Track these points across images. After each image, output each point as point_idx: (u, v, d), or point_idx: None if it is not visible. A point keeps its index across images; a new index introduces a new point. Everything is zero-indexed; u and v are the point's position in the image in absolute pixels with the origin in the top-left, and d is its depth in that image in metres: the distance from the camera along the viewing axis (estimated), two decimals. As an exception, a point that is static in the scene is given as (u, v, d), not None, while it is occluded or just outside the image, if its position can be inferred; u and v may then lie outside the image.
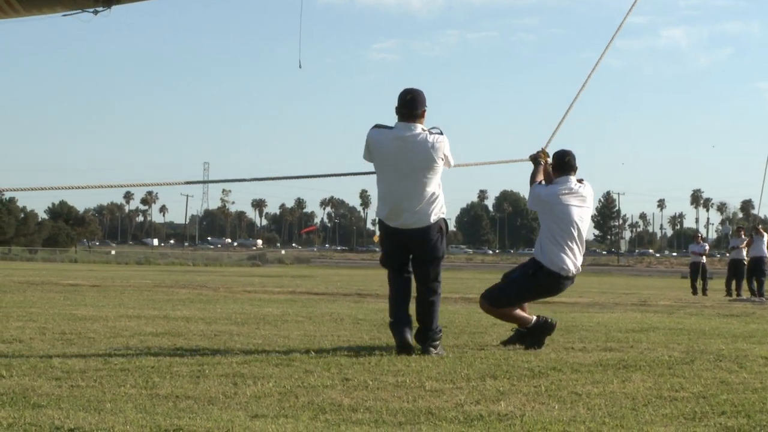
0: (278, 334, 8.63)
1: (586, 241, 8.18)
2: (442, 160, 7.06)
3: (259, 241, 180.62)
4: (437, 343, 7.06)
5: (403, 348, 6.95)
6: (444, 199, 7.19)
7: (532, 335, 7.58)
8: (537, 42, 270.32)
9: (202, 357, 6.58)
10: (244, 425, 4.12)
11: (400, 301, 7.17)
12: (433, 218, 7.06)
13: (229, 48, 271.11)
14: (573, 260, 7.68)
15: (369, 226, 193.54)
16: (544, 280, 7.68)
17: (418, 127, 7.03)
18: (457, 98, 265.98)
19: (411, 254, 7.21)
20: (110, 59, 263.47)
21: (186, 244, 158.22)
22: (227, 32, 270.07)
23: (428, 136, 7.02)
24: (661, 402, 4.96)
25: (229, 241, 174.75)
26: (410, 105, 7.04)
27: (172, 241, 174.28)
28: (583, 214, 7.76)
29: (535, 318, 7.62)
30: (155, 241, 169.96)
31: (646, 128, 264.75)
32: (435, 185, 7.08)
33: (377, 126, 7.14)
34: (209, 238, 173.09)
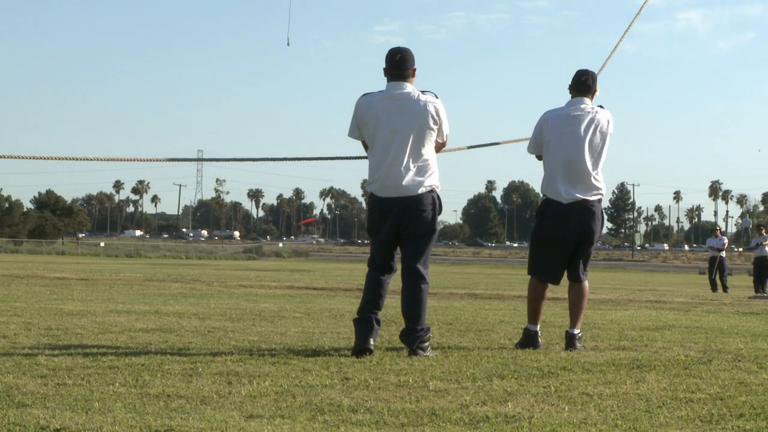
0: (275, 330, 8.64)
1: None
2: (436, 124, 6.89)
3: (236, 233, 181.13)
4: (426, 344, 6.82)
5: (360, 352, 6.68)
6: (438, 174, 6.98)
7: (522, 339, 7.53)
8: (548, 24, 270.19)
9: (195, 354, 6.59)
10: (239, 426, 4.13)
11: (372, 299, 6.89)
12: (424, 188, 6.87)
13: (224, 33, 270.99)
14: (579, 184, 7.39)
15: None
16: (549, 211, 7.46)
17: (409, 86, 6.92)
18: (465, 83, 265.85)
19: (399, 236, 6.93)
20: (101, 47, 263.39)
21: (165, 236, 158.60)
22: (222, 17, 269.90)
23: (420, 95, 6.90)
24: (676, 404, 4.96)
25: (205, 233, 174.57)
26: (400, 65, 6.91)
27: (139, 232, 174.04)
28: (594, 138, 7.41)
29: (535, 327, 7.47)
30: (137, 233, 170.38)
31: (661, 115, 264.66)
32: (427, 151, 6.90)
33: (366, 94, 7.03)
34: (183, 230, 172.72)
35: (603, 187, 7.56)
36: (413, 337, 6.81)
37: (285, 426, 4.17)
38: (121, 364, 5.97)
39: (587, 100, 7.57)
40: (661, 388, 5.45)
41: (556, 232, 7.51)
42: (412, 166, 6.88)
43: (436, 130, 6.95)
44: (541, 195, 7.67)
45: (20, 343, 7.19)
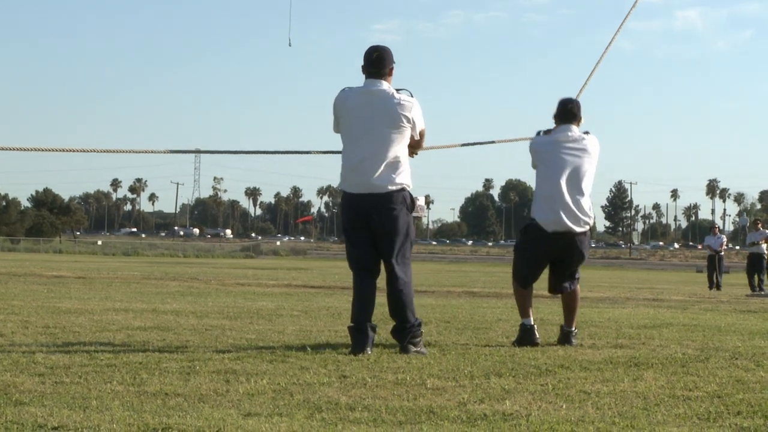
0: (273, 329, 8.64)
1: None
2: (409, 123, 6.91)
3: (228, 231, 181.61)
4: (418, 339, 6.85)
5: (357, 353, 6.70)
6: (409, 173, 6.98)
7: (518, 336, 7.60)
8: (547, 23, 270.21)
9: (192, 352, 6.59)
10: (237, 424, 4.13)
11: (363, 307, 6.89)
12: (393, 186, 6.85)
13: (222, 31, 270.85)
14: (566, 215, 7.46)
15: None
16: (539, 240, 7.57)
17: (384, 84, 6.96)
18: (462, 82, 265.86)
19: (375, 237, 6.90)
20: (99, 45, 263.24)
21: (163, 234, 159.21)
22: (219, 15, 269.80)
23: (395, 93, 6.93)
24: (673, 401, 4.97)
25: (197, 231, 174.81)
26: (377, 63, 6.96)
27: (134, 229, 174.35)
28: (582, 165, 7.53)
29: (530, 321, 7.57)
30: (132, 230, 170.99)
31: (659, 114, 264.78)
32: (399, 149, 6.91)
33: (344, 89, 7.07)
34: (176, 228, 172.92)
35: (590, 217, 7.64)
36: (404, 333, 6.84)
37: (283, 424, 4.17)
38: (119, 362, 5.97)
39: (573, 127, 7.66)
40: (658, 386, 5.46)
41: (536, 256, 7.69)
42: (382, 163, 6.88)
43: (409, 129, 6.96)
44: (531, 216, 7.73)
45: (18, 341, 7.19)
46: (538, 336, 7.56)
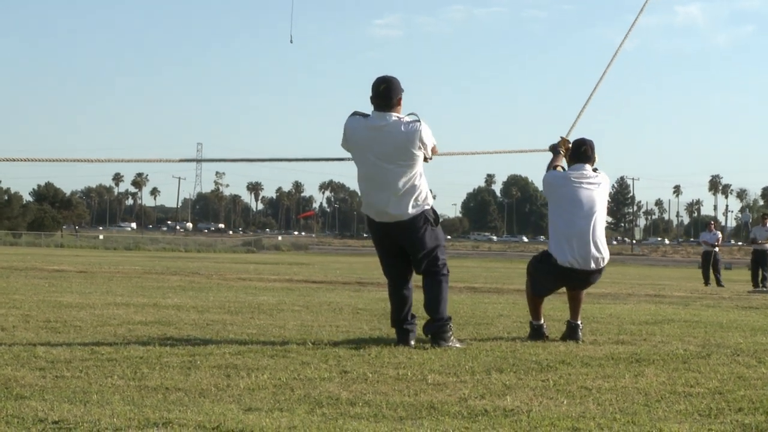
0: (274, 323, 8.64)
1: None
2: (420, 149, 7.02)
3: (221, 226, 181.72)
4: (448, 334, 7.04)
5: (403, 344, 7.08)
6: (427, 190, 7.16)
7: (530, 333, 7.82)
8: (548, 18, 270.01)
9: (193, 347, 6.59)
10: (237, 419, 4.13)
11: (399, 309, 7.22)
12: (414, 209, 7.05)
13: (224, 25, 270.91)
14: (581, 252, 7.62)
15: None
16: (553, 271, 7.73)
17: (393, 116, 7.01)
18: (463, 77, 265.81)
19: (405, 252, 7.22)
20: (101, 38, 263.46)
21: (153, 227, 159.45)
22: (221, 9, 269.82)
23: (402, 125, 6.99)
24: (675, 398, 4.97)
25: (190, 225, 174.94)
26: (384, 95, 7.02)
27: (134, 226, 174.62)
28: (596, 200, 7.72)
29: (540, 321, 7.79)
30: (133, 225, 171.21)
31: (661, 110, 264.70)
32: (414, 175, 7.05)
33: (355, 113, 7.15)
34: (169, 222, 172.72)
35: (606, 256, 7.77)
36: (433, 327, 7.07)
37: (283, 419, 4.17)
38: (120, 357, 5.98)
39: (587, 166, 7.87)
40: (659, 382, 5.46)
41: (550, 286, 7.91)
42: (399, 193, 7.04)
43: (421, 153, 7.08)
44: (548, 251, 7.85)
45: (19, 335, 7.20)
46: (547, 334, 7.80)
